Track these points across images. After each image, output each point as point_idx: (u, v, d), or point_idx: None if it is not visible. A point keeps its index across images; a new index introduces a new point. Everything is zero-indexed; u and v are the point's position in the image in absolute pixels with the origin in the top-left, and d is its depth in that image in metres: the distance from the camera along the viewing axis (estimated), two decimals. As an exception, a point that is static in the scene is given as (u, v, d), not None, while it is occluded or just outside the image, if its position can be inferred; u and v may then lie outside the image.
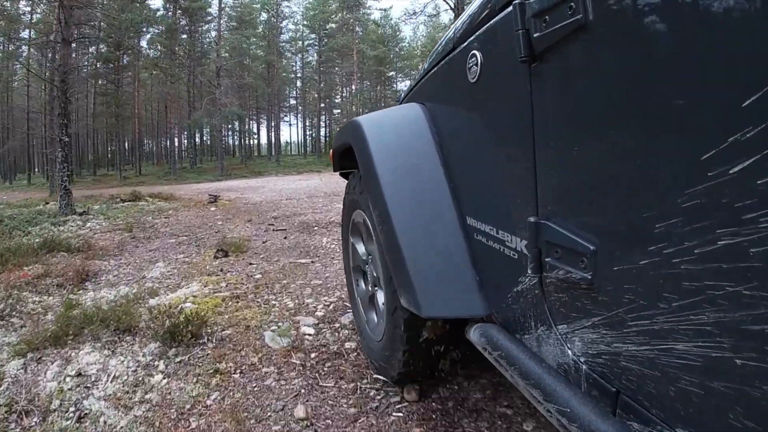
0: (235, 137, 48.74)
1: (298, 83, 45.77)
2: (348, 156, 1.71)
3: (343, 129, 1.65)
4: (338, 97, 45.59)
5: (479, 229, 1.02)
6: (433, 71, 1.26)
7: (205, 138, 48.18)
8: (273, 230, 5.36)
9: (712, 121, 0.44)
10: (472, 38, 0.96)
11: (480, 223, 1.02)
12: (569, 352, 0.74)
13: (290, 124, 61.67)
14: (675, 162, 0.50)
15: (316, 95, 43.55)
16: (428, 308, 1.05)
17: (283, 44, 39.79)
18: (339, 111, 43.27)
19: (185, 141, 37.52)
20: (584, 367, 0.70)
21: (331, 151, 1.97)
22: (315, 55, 40.39)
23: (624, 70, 0.56)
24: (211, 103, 24.87)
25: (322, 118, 43.22)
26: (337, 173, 2.10)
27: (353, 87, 36.73)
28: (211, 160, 41.70)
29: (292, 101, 50.78)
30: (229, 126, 41.07)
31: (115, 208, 8.42)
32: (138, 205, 8.62)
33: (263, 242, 4.61)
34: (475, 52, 0.94)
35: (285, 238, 4.81)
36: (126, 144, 34.86)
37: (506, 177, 0.89)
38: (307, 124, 50.50)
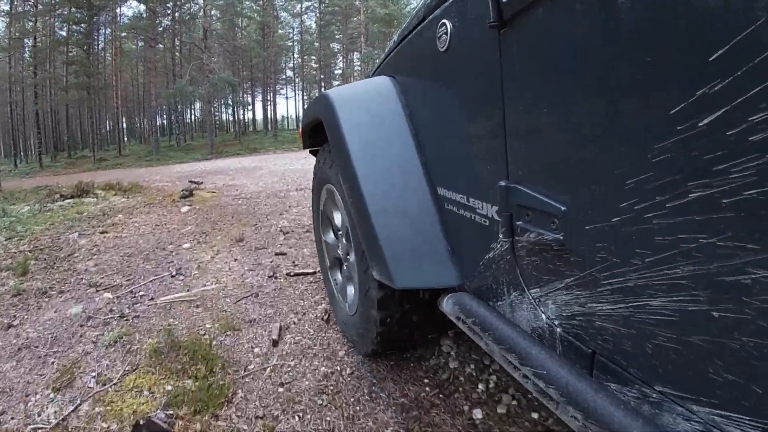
0: (228, 112, 45.31)
1: (296, 52, 41.92)
2: (318, 133, 1.72)
3: (313, 104, 1.63)
4: (338, 67, 42.10)
5: (450, 198, 1.02)
6: (403, 43, 1.25)
7: (196, 114, 44.83)
8: (288, 275, 2.61)
9: (681, 75, 0.44)
10: (442, 7, 0.95)
11: (451, 192, 1.02)
12: (543, 315, 0.74)
13: (287, 97, 58.04)
14: (644, 117, 0.49)
15: (314, 65, 40.05)
16: (401, 279, 1.05)
17: (282, 2, 35.97)
18: (338, 83, 39.83)
19: (174, 116, 34.02)
20: (559, 329, 0.71)
21: (300, 128, 1.94)
22: (314, 18, 36.71)
23: (592, 31, 0.55)
24: (198, 70, 21.44)
25: (322, 89, 39.75)
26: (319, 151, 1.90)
27: (358, 53, 33.19)
28: (203, 137, 38.53)
29: (289, 73, 47.13)
30: (222, 100, 37.60)
31: (48, 210, 5.66)
32: (80, 205, 5.86)
33: (271, 339, 1.85)
34: (444, 20, 0.93)
35: (326, 317, 2.03)
36: (108, 121, 31.50)
37: (477, 144, 0.89)
38: (305, 98, 46.96)
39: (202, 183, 7.59)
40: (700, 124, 0.43)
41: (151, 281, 2.68)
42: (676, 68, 0.45)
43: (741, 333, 0.42)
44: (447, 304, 1.04)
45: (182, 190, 6.04)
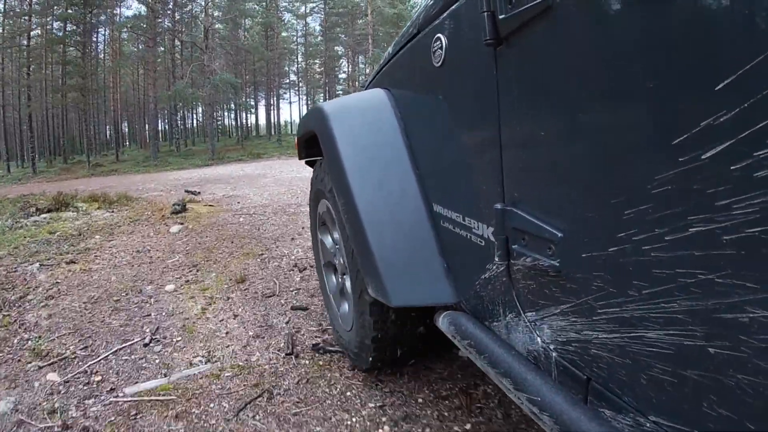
0: (231, 116, 44.55)
1: (300, 55, 41.06)
2: (313, 144, 1.64)
3: (307, 116, 1.63)
4: (342, 71, 41.39)
5: (446, 216, 1.01)
6: (398, 56, 1.23)
7: (198, 118, 44.18)
8: (316, 350, 1.76)
9: (685, 105, 0.43)
10: (436, 21, 0.94)
11: (446, 210, 1.01)
12: (538, 339, 0.73)
13: (290, 102, 57.49)
14: (645, 147, 0.48)
15: (318, 69, 39.33)
16: (396, 297, 1.04)
17: (285, 3, 35.13)
18: (342, 88, 39.03)
19: (174, 120, 33.33)
20: (554, 354, 0.70)
21: (296, 138, 1.93)
22: (319, 20, 35.88)
23: (591, 53, 0.54)
24: (199, 72, 20.58)
25: (327, 93, 38.86)
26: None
27: (363, 56, 32.30)
28: (205, 141, 37.92)
29: (293, 77, 46.37)
30: (224, 104, 36.86)
31: (20, 227, 4.83)
32: (56, 221, 5.02)
33: None
34: (439, 35, 0.92)
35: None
36: (107, 126, 30.67)
37: (472, 163, 0.88)
38: (309, 102, 46.19)
39: (199, 193, 6.79)
40: (703, 157, 0.41)
41: (115, 352, 1.86)
42: (680, 96, 0.43)
43: (737, 371, 0.42)
44: (443, 323, 1.02)
45: (174, 204, 5.17)
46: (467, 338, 0.91)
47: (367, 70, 31.64)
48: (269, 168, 11.94)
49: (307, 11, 35.89)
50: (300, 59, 40.39)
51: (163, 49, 25.69)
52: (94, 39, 24.70)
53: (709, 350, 0.44)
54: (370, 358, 1.40)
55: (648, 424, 0.54)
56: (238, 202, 5.65)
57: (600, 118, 0.55)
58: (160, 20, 23.16)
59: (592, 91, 0.55)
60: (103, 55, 29.99)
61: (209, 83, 19.42)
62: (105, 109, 27.82)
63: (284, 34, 36.27)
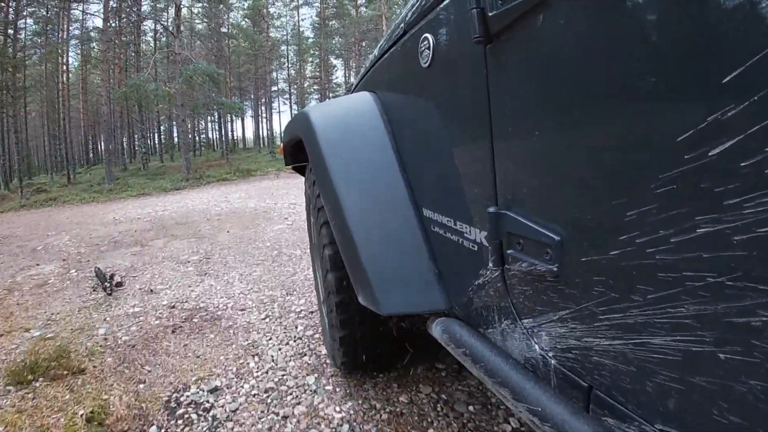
0: (215, 127, 39.96)
1: (291, 54, 36.67)
2: (300, 149, 1.66)
3: (292, 121, 1.61)
4: (336, 76, 37.34)
5: (436, 220, 0.99)
6: (384, 57, 1.21)
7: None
8: None
9: (689, 100, 0.41)
10: (424, 21, 0.91)
11: (437, 214, 0.98)
12: (536, 346, 0.71)
13: (279, 112, 53.06)
14: (648, 144, 0.46)
15: (309, 74, 35.18)
16: (386, 305, 1.01)
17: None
18: (338, 95, 35.06)
19: (142, 127, 27.46)
20: (553, 361, 0.67)
21: (281, 144, 1.92)
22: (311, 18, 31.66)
23: (586, 49, 0.52)
24: (169, 62, 15.95)
25: (326, 96, 34.65)
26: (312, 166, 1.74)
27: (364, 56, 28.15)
28: (194, 155, 33.33)
29: (282, 84, 42.07)
30: (206, 113, 32.30)
31: None
32: None
33: None
34: (427, 35, 0.89)
35: None
36: (67, 140, 25.82)
37: (463, 165, 0.86)
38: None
39: (123, 281, 2.87)
40: (710, 154, 0.39)
41: None
42: (685, 90, 0.41)
43: (749, 376, 0.40)
44: (436, 330, 1.00)
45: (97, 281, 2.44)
46: (462, 346, 0.88)
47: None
48: (269, 194, 7.79)
49: (300, 2, 31.63)
50: (292, 57, 35.95)
51: (125, 38, 20.80)
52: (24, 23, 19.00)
53: (720, 356, 0.42)
54: (341, 360, 1.51)
55: None
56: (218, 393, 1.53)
57: (598, 116, 0.52)
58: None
59: (588, 87, 0.52)
60: (66, 59, 25.34)
61: (180, 75, 14.21)
62: (59, 118, 22.88)
63: (273, 33, 31.99)
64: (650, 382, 0.50)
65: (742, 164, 0.36)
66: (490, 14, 0.65)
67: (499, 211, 0.72)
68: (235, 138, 41.83)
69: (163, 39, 18.03)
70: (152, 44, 23.91)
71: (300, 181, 10.85)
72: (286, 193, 7.84)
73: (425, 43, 0.89)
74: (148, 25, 24.34)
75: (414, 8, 0.95)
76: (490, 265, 0.76)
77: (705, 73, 0.38)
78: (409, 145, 1.10)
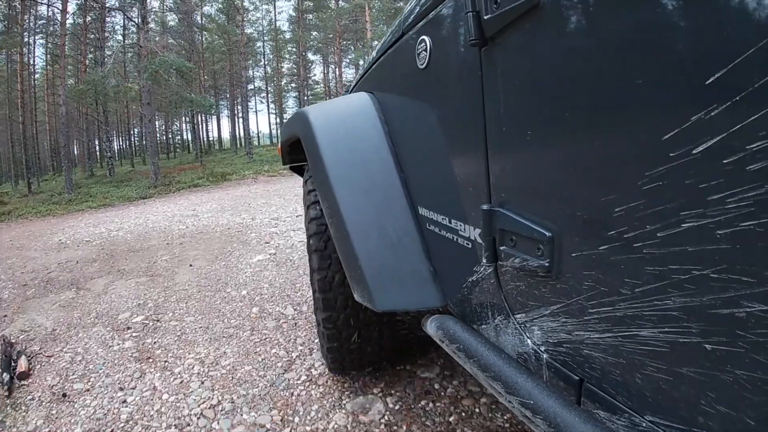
0: (186, 127, 38.17)
1: (267, 49, 35.14)
2: (298, 149, 1.69)
3: (290, 121, 1.61)
4: (315, 72, 36.06)
5: (431, 218, 1.00)
6: (382, 59, 1.22)
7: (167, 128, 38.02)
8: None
9: (675, 100, 0.42)
10: (421, 23, 0.93)
11: (432, 212, 1.00)
12: (529, 341, 0.73)
13: (256, 111, 51.31)
14: (635, 143, 0.48)
15: (287, 71, 33.87)
16: (382, 302, 1.02)
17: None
18: (316, 94, 33.63)
19: (105, 131, 25.20)
20: (545, 356, 0.69)
21: (279, 144, 1.93)
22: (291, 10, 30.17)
23: (578, 51, 0.53)
24: (134, 55, 14.35)
25: (303, 96, 33.24)
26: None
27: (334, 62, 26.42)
28: (160, 158, 31.55)
29: (259, 82, 40.53)
30: (181, 113, 30.86)
31: None
32: None
33: None
34: (424, 37, 0.91)
35: None
36: (35, 145, 23.80)
37: (457, 164, 0.87)
38: (277, 112, 40.24)
39: (31, 369, 2.32)
40: (694, 151, 0.41)
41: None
42: (670, 91, 0.43)
43: (735, 367, 0.41)
44: (430, 327, 1.00)
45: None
46: (455, 342, 0.89)
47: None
48: (246, 205, 6.74)
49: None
50: (268, 54, 34.47)
51: (94, 35, 19.25)
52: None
53: (706, 347, 0.44)
54: (328, 358, 1.52)
55: (644, 424, 0.53)
56: None
57: (587, 116, 0.53)
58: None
59: (579, 88, 0.54)
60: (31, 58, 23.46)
61: (144, 70, 12.57)
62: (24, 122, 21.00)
63: (249, 30, 30.51)
64: (639, 374, 0.52)
65: (725, 161, 0.38)
66: (485, 17, 0.67)
67: (492, 209, 0.74)
68: (211, 139, 40.28)
69: (135, 34, 16.54)
70: (123, 41, 22.36)
71: (282, 187, 9.55)
72: (266, 204, 6.76)
73: (422, 45, 0.91)
74: (119, 20, 22.74)
75: (412, 11, 0.97)
76: (484, 261, 0.78)
77: (689, 74, 0.40)
78: (405, 145, 1.11)
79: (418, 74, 0.94)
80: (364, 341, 1.44)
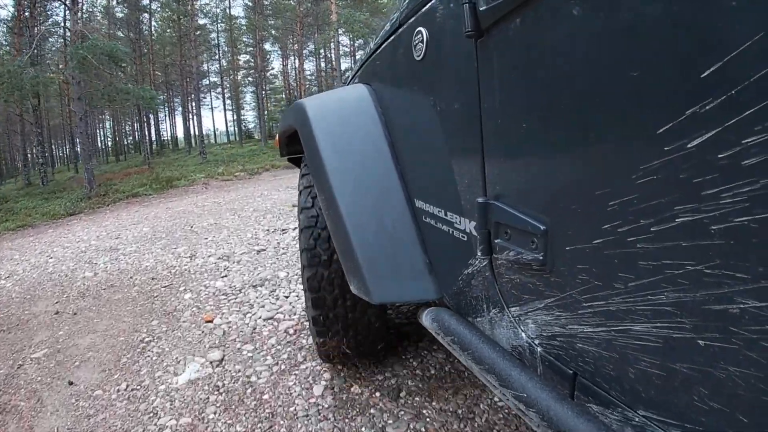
0: (134, 124, 35.17)
1: (222, 41, 32.52)
2: (295, 141, 1.67)
3: (287, 112, 1.60)
4: (274, 66, 33.92)
5: (427, 211, 1.00)
6: (379, 50, 1.21)
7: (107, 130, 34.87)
8: None
9: (670, 93, 0.41)
10: (418, 14, 0.91)
11: (428, 205, 0.99)
12: (523, 334, 0.72)
13: (212, 108, 48.06)
14: (630, 137, 0.47)
15: (243, 62, 31.63)
16: (378, 294, 1.02)
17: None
18: (275, 86, 31.38)
19: (43, 130, 21.03)
20: (539, 349, 0.69)
21: (277, 135, 1.90)
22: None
23: (574, 44, 0.52)
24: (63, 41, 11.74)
25: (266, 88, 30.97)
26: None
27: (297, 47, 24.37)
28: (118, 159, 28.69)
29: (214, 77, 37.84)
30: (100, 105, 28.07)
31: None
32: None
33: None
34: (421, 28, 0.90)
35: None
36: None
37: (454, 157, 0.86)
38: (234, 107, 37.64)
39: None
40: (689, 146, 0.40)
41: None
42: (665, 84, 0.42)
43: (727, 362, 0.41)
44: (426, 319, 1.00)
45: None
46: (450, 335, 0.89)
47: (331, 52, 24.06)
48: (187, 230, 5.21)
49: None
50: (223, 46, 31.89)
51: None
52: None
53: (699, 342, 0.43)
54: (316, 342, 1.52)
55: (637, 419, 0.53)
56: None
57: (583, 109, 0.53)
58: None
59: (575, 81, 0.53)
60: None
61: (71, 58, 10.29)
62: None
63: (202, 20, 28.02)
64: (632, 368, 0.51)
65: (720, 156, 0.37)
66: (481, 9, 0.66)
67: (488, 202, 0.73)
68: (164, 139, 37.54)
69: (79, 24, 14.10)
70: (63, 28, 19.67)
71: (237, 196, 7.75)
72: (215, 227, 5.09)
73: (419, 36, 0.90)
74: (60, 12, 20.00)
75: (409, 2, 0.95)
76: (479, 254, 0.77)
77: (685, 68, 0.39)
78: (402, 137, 1.10)
79: (414, 66, 0.94)
80: (354, 338, 1.45)
